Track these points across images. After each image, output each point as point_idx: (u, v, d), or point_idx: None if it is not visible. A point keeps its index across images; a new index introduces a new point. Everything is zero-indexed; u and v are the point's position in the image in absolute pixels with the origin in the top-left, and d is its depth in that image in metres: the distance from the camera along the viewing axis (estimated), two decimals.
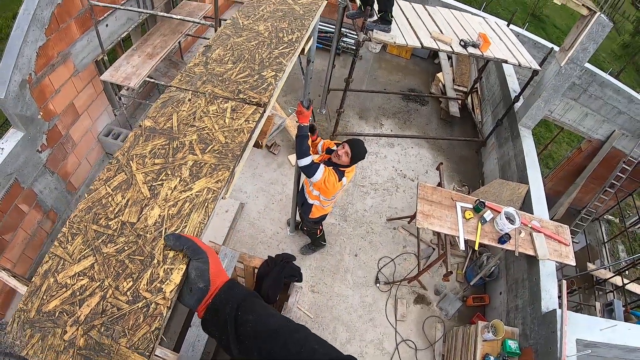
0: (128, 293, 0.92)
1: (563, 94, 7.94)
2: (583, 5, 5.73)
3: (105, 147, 6.63)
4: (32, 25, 4.58)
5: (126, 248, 0.99)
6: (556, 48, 6.76)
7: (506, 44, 6.56)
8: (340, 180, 4.37)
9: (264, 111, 1.35)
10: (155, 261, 0.97)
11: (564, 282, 4.96)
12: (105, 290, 0.92)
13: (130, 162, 1.17)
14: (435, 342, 5.60)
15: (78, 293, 0.92)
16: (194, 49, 9.17)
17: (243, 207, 6.54)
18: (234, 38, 1.70)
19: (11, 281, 4.39)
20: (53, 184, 5.67)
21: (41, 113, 5.12)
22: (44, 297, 0.91)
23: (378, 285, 6.03)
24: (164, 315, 0.90)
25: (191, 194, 1.10)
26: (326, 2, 2.24)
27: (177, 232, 1.03)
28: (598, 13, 5.67)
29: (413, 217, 6.19)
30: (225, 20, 7.40)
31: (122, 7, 5.50)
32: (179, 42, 6.94)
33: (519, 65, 6.10)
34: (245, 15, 1.86)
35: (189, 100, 1.37)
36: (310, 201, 4.83)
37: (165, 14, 5.53)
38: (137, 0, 6.22)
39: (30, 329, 0.87)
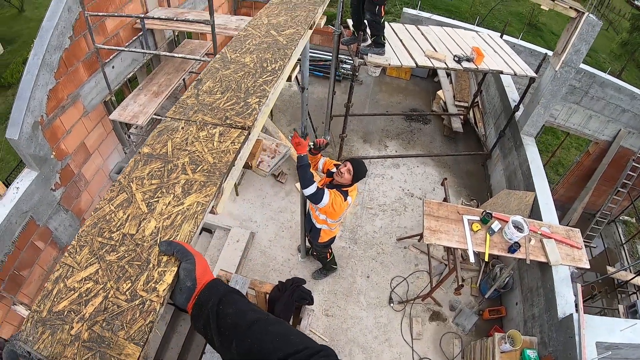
0: (127, 293, 1.05)
1: (565, 98, 8.02)
2: (570, 7, 5.85)
3: None
4: (42, 69, 4.80)
5: (126, 255, 1.13)
6: (550, 53, 6.86)
7: (500, 55, 6.69)
8: (345, 200, 4.47)
9: (249, 133, 1.50)
10: (151, 265, 1.10)
11: (579, 285, 4.95)
12: (108, 291, 1.06)
13: (131, 183, 1.33)
14: (454, 359, 5.57)
15: (84, 295, 1.05)
16: None
17: (254, 236, 6.66)
18: (222, 71, 1.86)
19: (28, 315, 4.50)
20: (67, 221, 5.82)
21: (54, 153, 5.29)
22: (55, 300, 1.04)
23: (392, 305, 6.04)
24: (157, 310, 1.03)
25: (183, 208, 1.24)
26: (311, 31, 2.40)
27: (169, 239, 1.16)
28: (586, 13, 5.78)
29: (422, 235, 6.24)
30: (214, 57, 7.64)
31: (126, 49, 5.73)
32: (183, 80, 7.15)
33: (515, 74, 6.21)
34: (233, 50, 2.03)
35: (182, 128, 1.53)
36: (318, 225, 4.92)
37: (168, 54, 5.76)
38: (141, 42, 6.47)
39: (42, 327, 1.00)
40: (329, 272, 6.21)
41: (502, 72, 6.24)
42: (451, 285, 6.25)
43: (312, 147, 4.44)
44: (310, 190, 4.26)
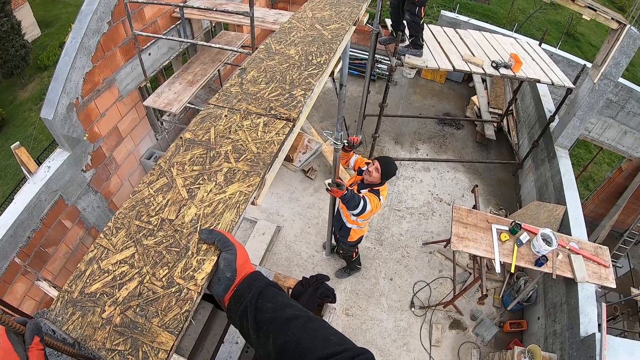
0: (163, 279, 1.03)
1: (600, 112, 7.82)
2: (612, 19, 5.69)
3: (146, 170, 6.89)
4: (79, 52, 4.88)
5: (164, 241, 1.11)
6: (589, 65, 6.68)
7: (538, 63, 6.55)
8: (380, 200, 4.45)
9: (294, 126, 1.47)
10: (190, 253, 1.08)
11: (604, 305, 4.82)
12: (143, 276, 1.03)
13: (172, 168, 1.31)
14: None
15: (118, 278, 1.03)
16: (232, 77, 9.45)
17: (280, 230, 6.67)
18: (267, 61, 1.84)
19: (51, 291, 4.58)
20: (96, 203, 5.92)
21: (87, 135, 5.39)
22: (87, 281, 1.03)
23: (413, 309, 5.99)
24: (194, 299, 1.00)
25: (225, 196, 1.22)
26: (355, 27, 2.36)
27: (210, 227, 1.14)
28: (628, 26, 5.62)
29: (449, 241, 6.15)
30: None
31: (164, 37, 5.78)
32: (219, 70, 7.20)
33: (552, 83, 6.07)
34: (278, 41, 2.01)
35: (226, 116, 1.51)
36: (348, 225, 4.90)
37: (205, 43, 5.78)
38: (178, 30, 6.54)
39: (72, 308, 0.98)
40: (352, 271, 6.19)
41: (539, 81, 6.11)
42: (474, 295, 6.16)
43: (345, 144, 4.42)
44: (359, 209, 4.28)
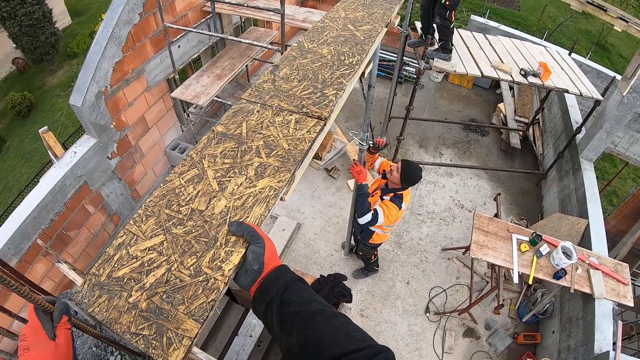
0: (191, 268, 1.05)
1: (628, 126, 7.64)
2: None
3: (171, 160, 6.99)
4: (110, 42, 4.97)
5: (193, 231, 1.13)
6: (618, 77, 6.56)
7: (567, 73, 6.45)
8: (400, 208, 4.42)
9: (325, 124, 1.49)
10: (218, 244, 1.10)
11: (620, 322, 4.74)
12: (171, 264, 1.06)
13: (203, 160, 1.34)
14: None
15: (146, 264, 1.06)
16: (260, 73, 9.54)
17: (300, 227, 6.70)
18: (299, 59, 1.86)
19: (71, 274, 4.66)
20: (119, 190, 6.01)
21: (114, 123, 5.48)
22: (115, 266, 1.06)
23: (428, 314, 5.96)
24: (221, 289, 1.02)
25: (255, 190, 1.24)
26: (386, 29, 2.37)
27: (240, 220, 1.16)
28: None
29: (468, 248, 6.10)
30: (290, 45, 7.69)
31: (194, 30, 5.84)
32: (246, 66, 7.25)
33: (581, 94, 5.97)
34: (310, 40, 2.02)
35: (258, 111, 1.53)
36: (372, 228, 4.88)
37: (235, 38, 5.82)
38: (208, 24, 6.60)
39: (99, 291, 1.01)
40: (370, 272, 6.19)
41: (567, 91, 6.01)
42: (490, 304, 6.11)
43: (371, 145, 4.41)
44: (366, 219, 4.29)
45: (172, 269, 1.05)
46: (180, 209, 1.18)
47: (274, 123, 1.47)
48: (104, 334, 1.15)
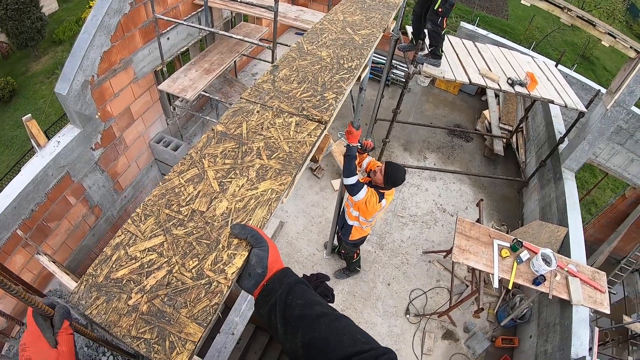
0: (193, 270, 1.04)
1: (609, 138, 7.81)
2: (631, 47, 5.69)
3: (155, 154, 6.92)
4: (99, 30, 4.88)
5: (195, 232, 1.12)
6: (603, 90, 6.68)
7: (553, 84, 6.54)
8: (380, 201, 4.46)
9: (325, 128, 1.49)
10: (221, 246, 1.09)
11: (597, 329, 4.84)
12: (172, 266, 1.04)
13: (203, 159, 1.32)
14: None
15: (146, 265, 1.04)
16: (247, 69, 9.50)
17: (282, 225, 6.68)
18: (299, 61, 1.85)
19: (50, 266, 4.59)
20: (102, 182, 5.93)
21: (99, 113, 5.39)
22: (113, 266, 1.03)
23: (408, 316, 6.00)
24: (224, 293, 1.01)
25: (257, 192, 1.23)
26: (382, 34, 2.38)
27: (242, 223, 1.15)
28: None
29: (449, 252, 6.17)
30: (281, 43, 7.69)
31: (184, 23, 5.78)
32: (235, 61, 7.20)
33: (565, 106, 6.06)
34: (310, 41, 2.02)
35: (258, 112, 1.52)
36: (349, 222, 4.92)
37: (225, 33, 5.79)
38: (199, 18, 6.54)
39: (96, 292, 0.98)
40: (351, 273, 6.21)
41: (552, 102, 6.09)
42: (469, 307, 6.17)
43: (359, 146, 4.43)
44: (351, 180, 4.31)
45: (174, 271, 1.03)
46: (181, 209, 1.17)
47: (274, 124, 1.47)
48: (97, 334, 1.13)
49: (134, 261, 1.04)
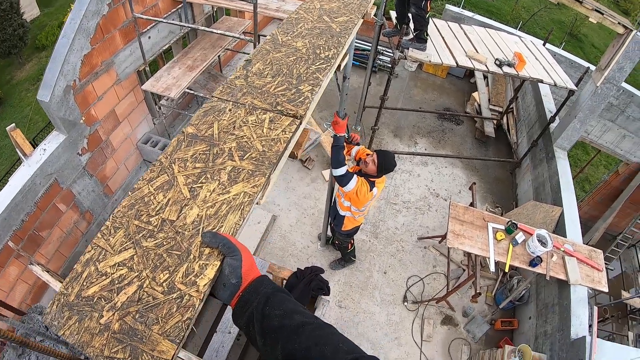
0: (164, 284, 0.98)
1: (600, 115, 7.78)
2: (619, 23, 5.64)
3: (143, 154, 6.84)
4: (78, 34, 4.79)
5: (165, 243, 1.06)
6: (592, 67, 6.64)
7: (542, 63, 6.50)
8: (371, 190, 4.40)
9: (300, 123, 1.42)
10: (192, 257, 1.03)
11: (596, 308, 4.82)
12: (143, 280, 0.99)
13: (173, 165, 1.25)
14: None
15: (117, 281, 0.99)
16: (233, 63, 9.39)
17: (275, 219, 6.63)
18: (273, 53, 1.78)
19: (44, 275, 4.56)
20: (91, 187, 5.86)
21: (83, 118, 5.31)
22: (84, 284, 0.98)
23: (406, 304, 5.98)
24: (196, 306, 0.96)
25: (229, 197, 1.17)
26: (362, 20, 2.31)
27: (214, 230, 1.09)
28: (634, 31, 5.58)
29: (444, 237, 6.14)
30: (265, 36, 7.59)
31: (164, 21, 5.68)
32: (219, 56, 7.11)
33: (555, 85, 6.03)
34: (284, 32, 1.95)
35: (230, 110, 1.45)
36: (342, 213, 4.87)
37: (206, 29, 5.68)
38: (179, 14, 6.44)
39: (68, 312, 0.94)
40: (347, 263, 6.18)
41: (542, 81, 6.06)
42: (466, 291, 6.17)
43: (346, 137, 4.36)
44: (340, 171, 4.25)
45: (144, 285, 0.98)
46: (150, 219, 1.11)
47: (247, 123, 1.40)
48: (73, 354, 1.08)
49: (104, 277, 1.00)
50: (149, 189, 1.19)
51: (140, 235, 1.08)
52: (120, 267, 1.01)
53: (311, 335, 0.96)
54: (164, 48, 6.48)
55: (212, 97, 1.49)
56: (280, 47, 1.82)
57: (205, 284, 0.99)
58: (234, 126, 1.38)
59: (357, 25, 2.14)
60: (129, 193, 1.17)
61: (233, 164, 1.26)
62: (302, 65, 1.70)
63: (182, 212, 1.13)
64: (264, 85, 1.58)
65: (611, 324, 9.37)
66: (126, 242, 1.06)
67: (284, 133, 1.36)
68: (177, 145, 1.32)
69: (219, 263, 1.03)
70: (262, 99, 1.51)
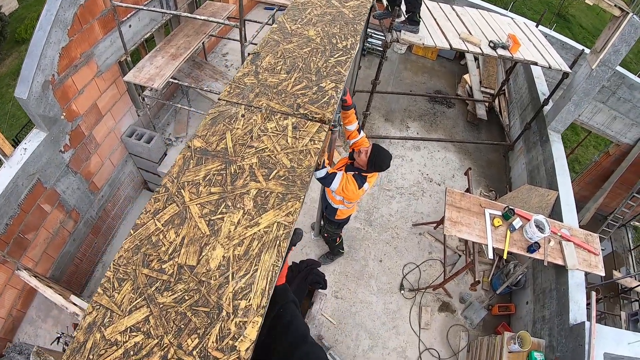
0: (194, 353, 0.76)
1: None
2: (615, 5, 5.54)
3: (128, 148, 6.63)
4: (54, 26, 4.55)
5: (187, 297, 0.83)
6: (587, 50, 6.54)
7: (535, 45, 6.37)
8: (361, 187, 4.19)
9: (329, 129, 1.18)
10: (224, 313, 0.80)
11: (594, 293, 4.79)
12: (166, 349, 0.76)
13: (182, 190, 1.01)
14: (459, 352, 5.46)
15: (132, 352, 0.76)
16: (217, 50, 9.13)
17: None
18: (283, 44, 1.55)
19: (32, 281, 4.40)
20: (76, 184, 5.69)
21: (64, 114, 5.11)
22: (90, 357, 0.75)
23: (402, 292, 5.91)
24: None
25: (259, 230, 0.93)
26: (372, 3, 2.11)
27: (246, 277, 0.87)
28: (630, 14, 5.50)
29: (439, 222, 6.05)
30: (250, 21, 7.33)
31: (145, 8, 5.45)
32: (203, 43, 6.86)
33: (549, 67, 5.91)
34: (292, 19, 1.72)
35: (243, 116, 1.22)
36: (334, 205, 4.71)
37: (189, 15, 5.46)
38: (161, 1, 6.16)
39: None
40: (335, 256, 6.05)
41: (536, 64, 5.93)
42: (463, 277, 6.12)
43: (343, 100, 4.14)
44: (320, 174, 3.96)
45: (169, 356, 0.75)
46: (163, 266, 0.87)
47: (266, 131, 1.16)
48: None
49: (115, 348, 0.76)
50: (155, 224, 0.94)
51: (154, 288, 0.84)
52: (134, 333, 0.78)
53: (310, 350, 0.99)
54: (146, 37, 6.18)
55: (219, 99, 1.26)
56: (291, 36, 1.60)
57: (248, 348, 0.76)
58: (252, 136, 1.15)
59: (369, 9, 1.93)
60: (131, 231, 0.92)
61: (258, 186, 1.02)
62: (320, 57, 1.48)
63: (203, 254, 0.89)
64: (279, 83, 1.35)
65: (603, 303, 9.44)
66: (136, 299, 0.83)
67: (312, 143, 1.13)
68: (183, 165, 1.07)
69: (260, 319, 0.81)
70: (279, 100, 1.28)
